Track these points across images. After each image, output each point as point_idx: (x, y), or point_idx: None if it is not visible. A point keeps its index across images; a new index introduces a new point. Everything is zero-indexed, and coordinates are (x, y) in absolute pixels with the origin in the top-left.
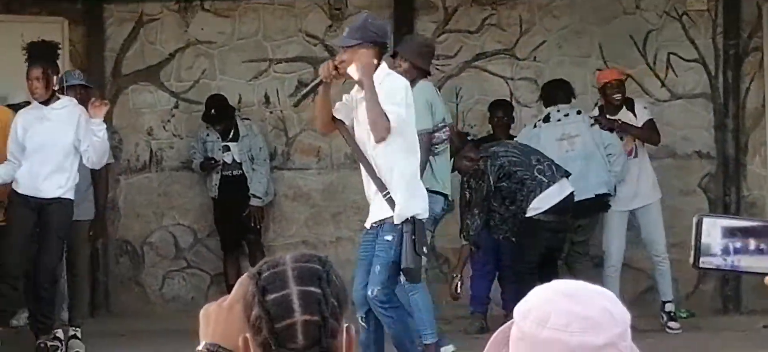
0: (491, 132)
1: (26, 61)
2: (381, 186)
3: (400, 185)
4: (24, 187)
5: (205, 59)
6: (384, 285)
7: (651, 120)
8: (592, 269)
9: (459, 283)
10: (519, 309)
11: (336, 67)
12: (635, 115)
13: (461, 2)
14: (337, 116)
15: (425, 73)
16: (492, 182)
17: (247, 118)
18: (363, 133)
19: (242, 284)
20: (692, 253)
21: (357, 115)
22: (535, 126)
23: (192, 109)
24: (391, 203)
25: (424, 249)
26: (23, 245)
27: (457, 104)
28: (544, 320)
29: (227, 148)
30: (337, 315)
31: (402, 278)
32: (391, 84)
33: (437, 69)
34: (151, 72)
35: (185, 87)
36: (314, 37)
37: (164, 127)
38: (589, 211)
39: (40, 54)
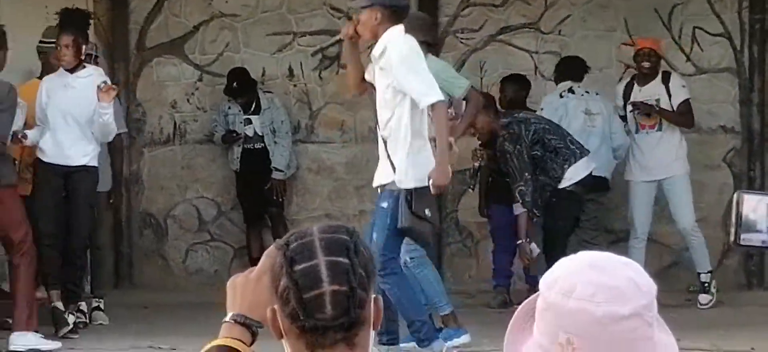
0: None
1: (57, 27)
2: (386, 150)
3: (401, 152)
4: (50, 155)
5: (229, 32)
6: (380, 252)
7: (687, 101)
8: (610, 245)
9: (530, 247)
10: (545, 280)
11: (356, 28)
12: (669, 91)
13: None
14: (367, 78)
15: (429, 46)
16: (527, 147)
17: (270, 91)
18: (376, 97)
19: (269, 255)
20: (733, 230)
21: (373, 78)
22: (560, 96)
23: (216, 82)
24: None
25: (427, 212)
26: (55, 210)
27: (481, 78)
28: (570, 291)
29: (249, 121)
30: (364, 285)
31: (408, 256)
32: (404, 52)
33: (461, 42)
34: (175, 45)
35: (209, 60)
36: (338, 10)
37: (188, 100)
38: (595, 189)
39: (72, 22)
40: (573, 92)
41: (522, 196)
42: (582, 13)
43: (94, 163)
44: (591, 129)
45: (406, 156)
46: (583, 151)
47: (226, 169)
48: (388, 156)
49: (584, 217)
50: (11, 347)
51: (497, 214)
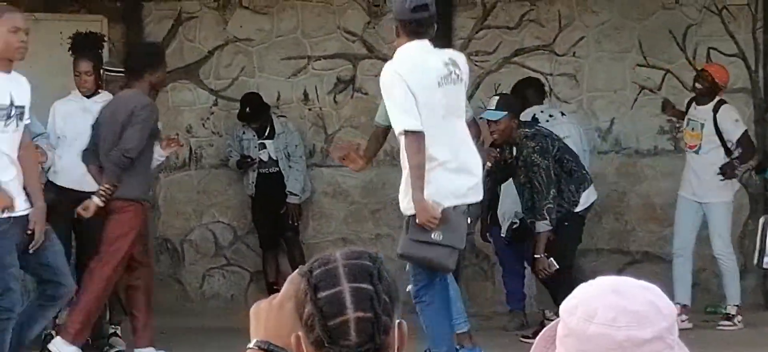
0: None
1: (70, 51)
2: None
3: (403, 177)
4: (63, 179)
5: (244, 57)
6: (412, 280)
7: (745, 133)
8: (626, 267)
9: (549, 262)
10: (565, 306)
11: None
12: (716, 120)
13: None
14: None
15: None
16: (553, 163)
17: (284, 116)
18: None
19: (293, 282)
20: (756, 253)
21: None
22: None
23: (231, 106)
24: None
25: (435, 235)
26: (65, 234)
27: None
28: (591, 316)
29: (263, 146)
30: (389, 311)
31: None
32: (383, 78)
33: (476, 65)
34: (190, 70)
35: (224, 85)
36: (353, 34)
37: (203, 125)
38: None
39: (86, 46)
40: (536, 120)
41: (549, 213)
42: (596, 34)
43: None
44: None
45: (404, 180)
46: (590, 178)
47: (241, 193)
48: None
49: (600, 238)
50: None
51: (498, 237)
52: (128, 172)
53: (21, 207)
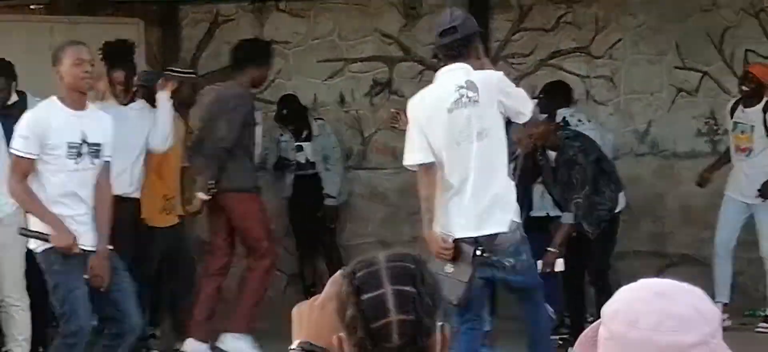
0: None
1: (102, 60)
2: None
3: None
4: None
5: (281, 59)
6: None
7: None
8: (666, 269)
9: (557, 261)
10: (606, 310)
11: None
12: (766, 121)
13: (536, 0)
14: None
15: None
16: (592, 164)
17: (321, 118)
18: None
19: (335, 283)
20: None
21: None
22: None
23: (268, 109)
24: None
25: (447, 267)
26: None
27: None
28: (633, 321)
29: (300, 148)
30: (431, 314)
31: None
32: None
33: (513, 67)
34: (226, 72)
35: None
36: (389, 37)
37: None
38: None
39: (119, 55)
40: (567, 123)
41: (577, 207)
42: (633, 37)
43: (138, 194)
44: None
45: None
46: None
47: (278, 196)
48: None
49: (638, 241)
50: (221, 346)
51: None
52: (232, 164)
53: (91, 243)
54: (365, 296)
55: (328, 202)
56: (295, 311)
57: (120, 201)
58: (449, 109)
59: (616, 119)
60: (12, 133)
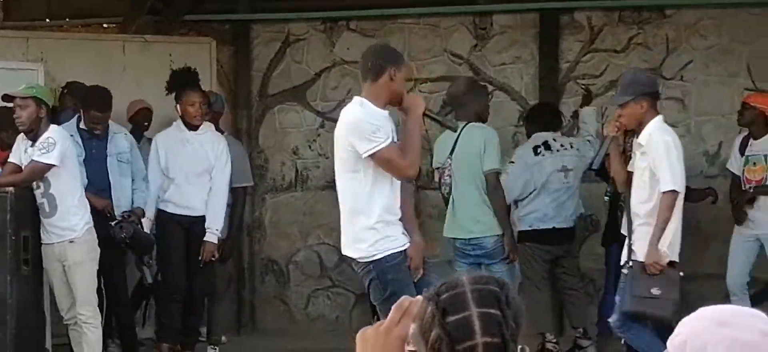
0: None
1: (168, 90)
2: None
3: None
4: (174, 206)
5: (351, 79)
6: None
7: None
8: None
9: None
10: (673, 341)
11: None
12: None
13: (607, 21)
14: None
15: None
16: None
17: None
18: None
19: (399, 308)
20: None
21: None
22: (536, 151)
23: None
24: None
25: (654, 290)
26: (180, 260)
27: (602, 124)
28: (701, 351)
29: None
30: (515, 337)
31: None
32: None
33: (583, 88)
34: (297, 91)
35: (331, 106)
36: (459, 57)
37: (310, 147)
38: (569, 238)
39: (190, 81)
40: (549, 148)
41: None
42: (704, 58)
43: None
44: (565, 186)
45: None
46: None
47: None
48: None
49: (708, 264)
50: None
51: (613, 252)
52: None
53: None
54: (451, 318)
55: None
56: (359, 335)
57: (197, 221)
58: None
59: (686, 141)
60: (98, 156)
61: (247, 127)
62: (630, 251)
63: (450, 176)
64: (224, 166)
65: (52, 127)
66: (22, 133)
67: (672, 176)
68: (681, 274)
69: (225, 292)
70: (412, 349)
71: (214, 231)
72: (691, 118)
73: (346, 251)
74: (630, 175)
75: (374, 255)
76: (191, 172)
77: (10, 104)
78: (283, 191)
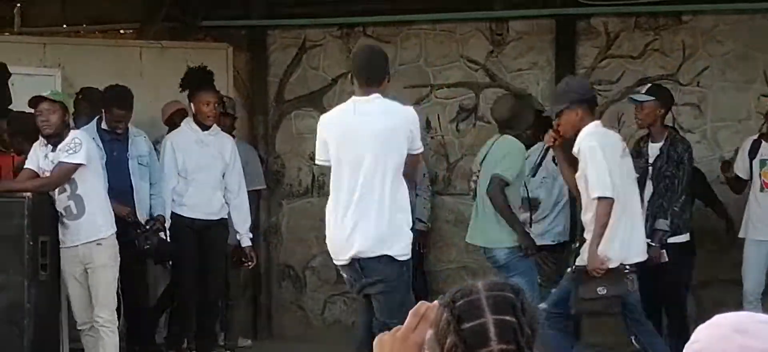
0: None
1: (181, 89)
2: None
3: None
4: (190, 209)
5: None
6: None
7: None
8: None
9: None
10: (689, 349)
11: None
12: None
13: (623, 27)
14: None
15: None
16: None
17: None
18: None
19: (416, 314)
20: None
21: None
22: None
23: None
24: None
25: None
26: (194, 263)
27: (619, 130)
28: None
29: None
30: (531, 344)
31: None
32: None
33: (599, 94)
34: (313, 97)
35: None
36: (475, 63)
37: None
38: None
39: (205, 80)
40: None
41: (673, 216)
42: (721, 64)
43: (225, 215)
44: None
45: None
46: None
47: None
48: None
49: (724, 270)
50: None
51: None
52: None
53: None
54: (466, 325)
55: (418, 226)
56: (376, 341)
57: (213, 224)
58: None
59: (703, 147)
60: (119, 159)
61: (263, 132)
62: (576, 255)
63: (475, 183)
64: (237, 166)
65: (74, 130)
66: (38, 141)
67: (599, 182)
68: (692, 283)
69: (241, 297)
70: None
71: (249, 233)
72: (707, 124)
73: (374, 249)
74: None
75: (407, 256)
76: (210, 174)
77: (31, 109)
78: (300, 196)
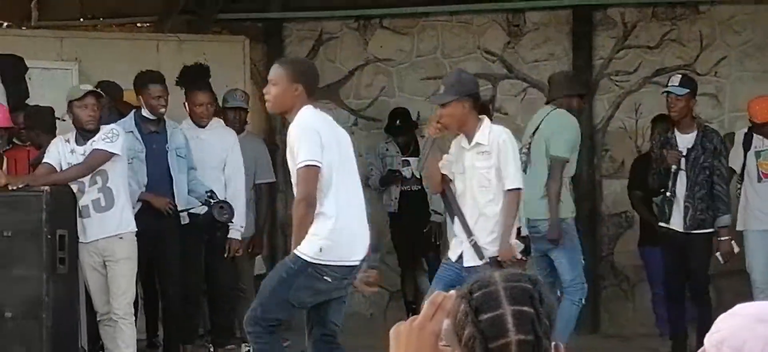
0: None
1: (178, 85)
2: (470, 233)
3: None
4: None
5: (384, 77)
6: None
7: None
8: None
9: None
10: (711, 339)
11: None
12: None
13: (641, 17)
14: (443, 172)
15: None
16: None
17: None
18: (465, 182)
19: (433, 303)
20: None
21: (462, 164)
22: None
23: (371, 126)
24: (477, 248)
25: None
26: (201, 263)
27: (636, 120)
28: (739, 349)
29: (407, 163)
30: (548, 335)
31: None
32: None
33: (616, 85)
34: (330, 90)
35: (364, 104)
36: (492, 54)
37: None
38: None
39: (200, 77)
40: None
41: (727, 205)
42: (738, 54)
43: None
44: None
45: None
46: None
47: (381, 213)
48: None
49: (742, 259)
50: None
51: (649, 258)
52: None
53: None
54: (484, 316)
55: (434, 218)
56: (393, 331)
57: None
58: None
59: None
60: (159, 151)
61: (280, 125)
62: (476, 248)
63: (526, 155)
64: (237, 160)
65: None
66: (59, 136)
67: (516, 175)
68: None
69: (256, 289)
70: (446, 345)
71: (238, 228)
72: (724, 115)
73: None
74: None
75: None
76: (207, 166)
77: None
78: None
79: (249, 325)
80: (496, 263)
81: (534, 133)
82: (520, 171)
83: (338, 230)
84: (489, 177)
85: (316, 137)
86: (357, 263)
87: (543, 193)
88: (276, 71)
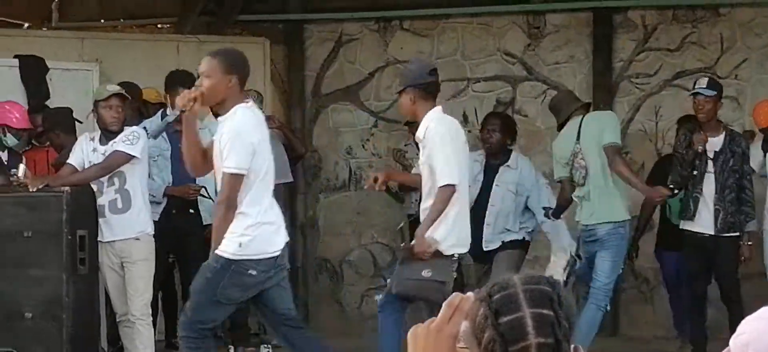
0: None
1: (165, 88)
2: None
3: None
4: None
5: None
6: None
7: None
8: None
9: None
10: (736, 341)
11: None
12: None
13: (661, 20)
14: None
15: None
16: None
17: None
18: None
19: (450, 305)
20: None
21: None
22: None
23: (391, 128)
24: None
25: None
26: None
27: (656, 123)
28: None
29: None
30: (568, 337)
31: None
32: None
33: (636, 87)
34: (350, 91)
35: (384, 106)
36: (512, 56)
37: (363, 146)
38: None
39: (184, 84)
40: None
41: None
42: (759, 57)
43: None
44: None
45: None
46: None
47: (400, 215)
48: None
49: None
50: None
51: (666, 261)
52: None
53: None
54: (504, 319)
55: None
56: (410, 333)
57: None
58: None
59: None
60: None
61: (300, 126)
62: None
63: (578, 168)
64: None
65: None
66: (84, 136)
67: (448, 169)
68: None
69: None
70: (464, 347)
71: None
72: (745, 118)
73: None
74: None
75: None
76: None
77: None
78: (337, 190)
79: (182, 330)
80: (410, 252)
81: (577, 141)
82: (456, 166)
83: (256, 226)
84: (425, 173)
85: (249, 146)
86: (278, 252)
87: (607, 195)
88: (209, 63)
